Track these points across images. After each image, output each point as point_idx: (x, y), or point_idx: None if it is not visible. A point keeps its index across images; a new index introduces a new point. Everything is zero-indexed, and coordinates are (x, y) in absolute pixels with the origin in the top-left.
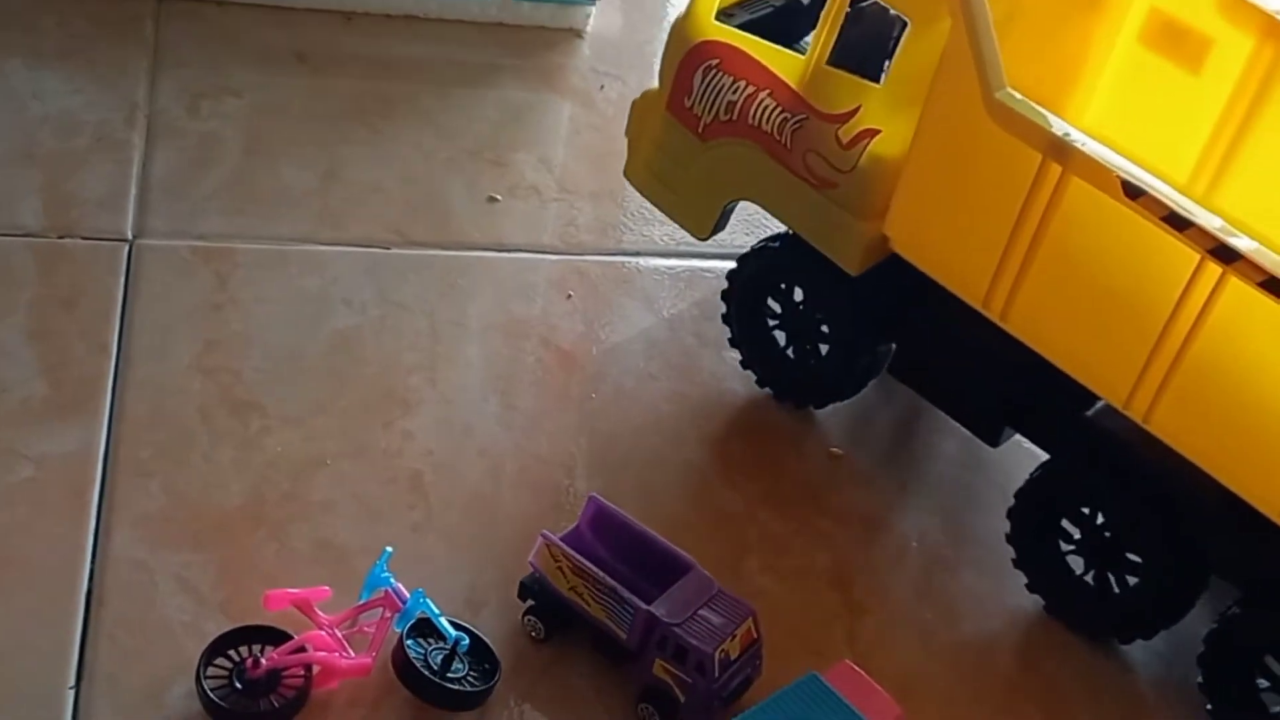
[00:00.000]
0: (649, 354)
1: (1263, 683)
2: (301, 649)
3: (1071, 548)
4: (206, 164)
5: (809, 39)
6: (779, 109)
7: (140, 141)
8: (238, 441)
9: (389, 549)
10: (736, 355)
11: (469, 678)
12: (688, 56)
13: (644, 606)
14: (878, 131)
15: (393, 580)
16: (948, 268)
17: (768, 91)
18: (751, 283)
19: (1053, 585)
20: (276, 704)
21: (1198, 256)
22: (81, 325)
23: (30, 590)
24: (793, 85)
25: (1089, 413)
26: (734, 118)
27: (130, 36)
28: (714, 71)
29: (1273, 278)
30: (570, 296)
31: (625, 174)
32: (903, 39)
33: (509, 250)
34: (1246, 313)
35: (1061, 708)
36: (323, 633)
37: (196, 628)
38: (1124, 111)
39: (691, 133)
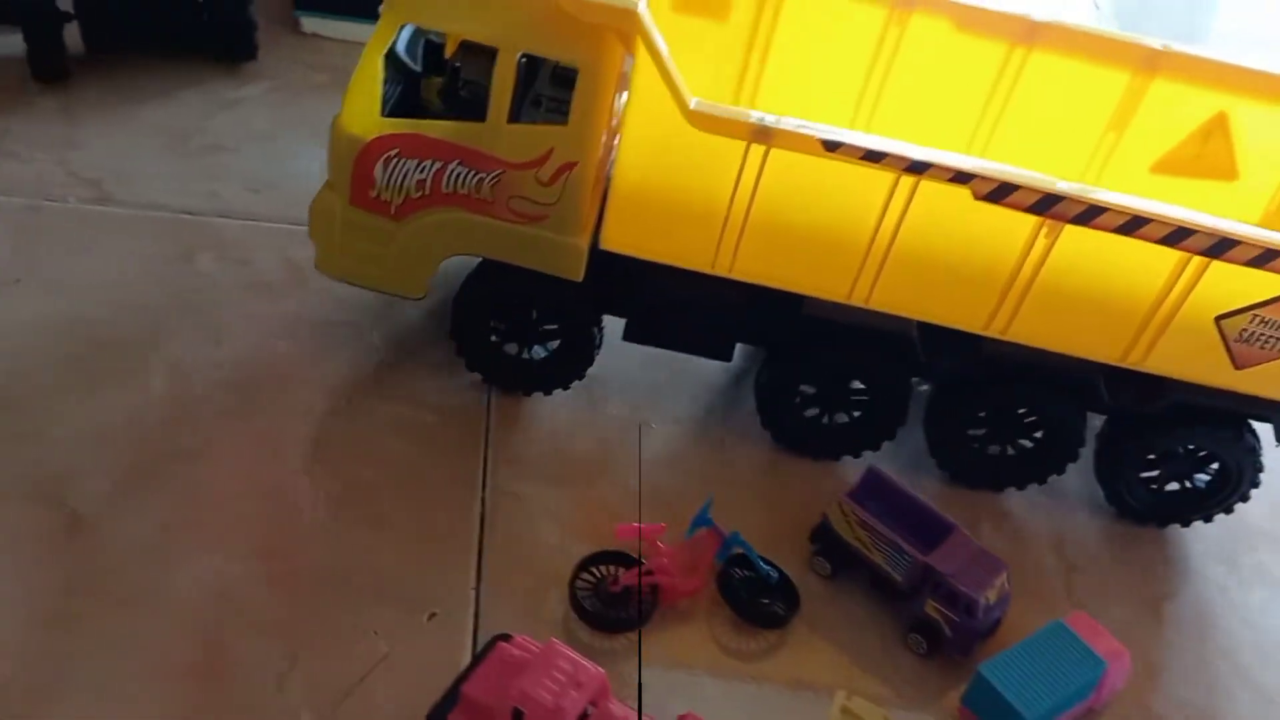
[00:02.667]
0: None
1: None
2: (649, 572)
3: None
4: None
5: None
6: (473, 173)
7: None
8: (582, 406)
9: (712, 495)
10: None
11: (777, 603)
12: (363, 154)
13: (922, 558)
14: (575, 163)
15: (713, 521)
16: (669, 249)
17: (457, 161)
18: (475, 311)
19: (795, 432)
20: (630, 614)
21: (893, 176)
22: None
23: (438, 510)
24: (480, 149)
25: (802, 311)
26: (426, 193)
27: None
28: (395, 160)
29: (959, 172)
30: None
31: (319, 268)
32: (577, 85)
33: None
34: (935, 202)
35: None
36: (664, 560)
37: (563, 548)
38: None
39: (383, 217)
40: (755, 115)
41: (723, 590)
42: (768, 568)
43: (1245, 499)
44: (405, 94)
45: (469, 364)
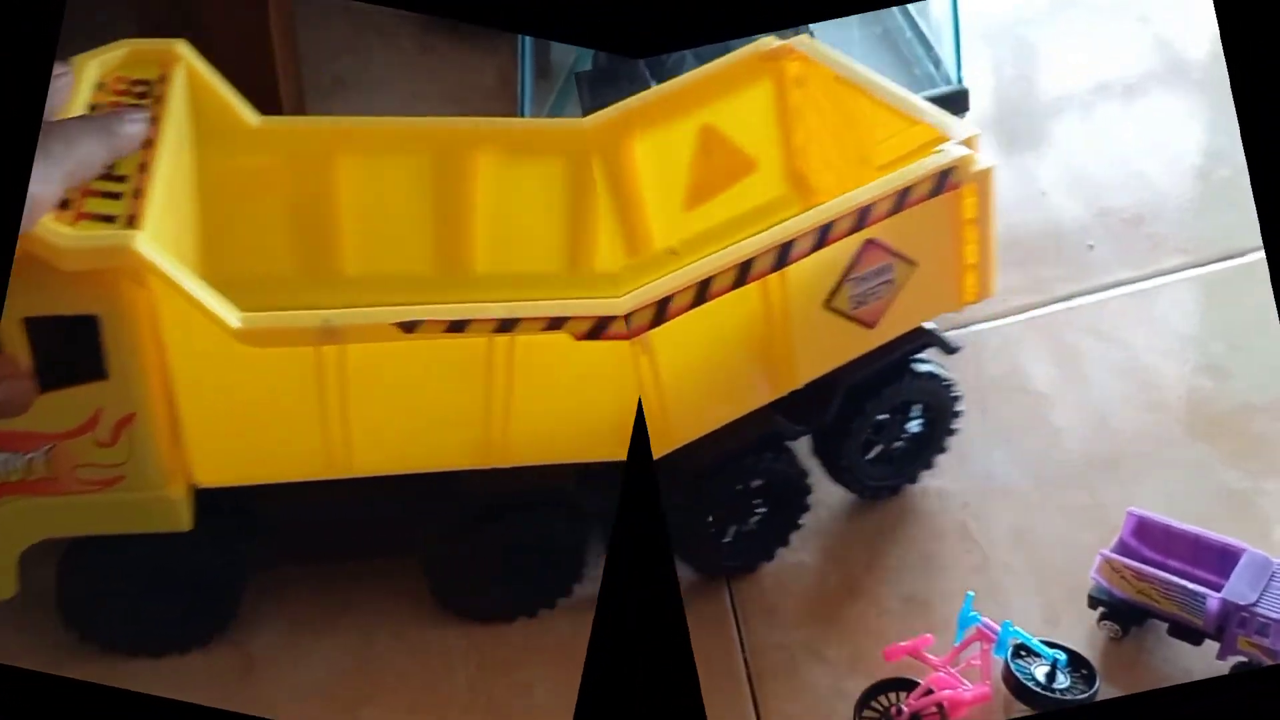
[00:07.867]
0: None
1: None
2: (929, 691)
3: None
4: None
5: None
6: (17, 456)
7: None
8: (817, 533)
9: (970, 593)
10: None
11: (1074, 685)
12: None
13: (1216, 595)
14: (132, 414)
15: (980, 617)
16: (276, 466)
17: None
18: (89, 596)
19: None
20: None
21: (485, 339)
22: None
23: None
24: (13, 430)
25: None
26: None
27: None
28: None
29: (552, 319)
30: None
31: None
32: (104, 335)
33: None
34: (541, 351)
35: None
36: (941, 674)
37: (836, 687)
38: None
39: None
40: (319, 316)
41: (1011, 687)
42: (1052, 651)
43: (958, 415)
44: None
45: (84, 635)
